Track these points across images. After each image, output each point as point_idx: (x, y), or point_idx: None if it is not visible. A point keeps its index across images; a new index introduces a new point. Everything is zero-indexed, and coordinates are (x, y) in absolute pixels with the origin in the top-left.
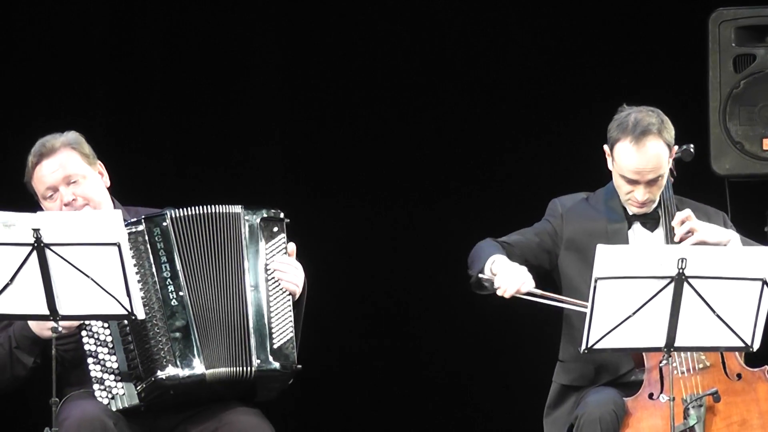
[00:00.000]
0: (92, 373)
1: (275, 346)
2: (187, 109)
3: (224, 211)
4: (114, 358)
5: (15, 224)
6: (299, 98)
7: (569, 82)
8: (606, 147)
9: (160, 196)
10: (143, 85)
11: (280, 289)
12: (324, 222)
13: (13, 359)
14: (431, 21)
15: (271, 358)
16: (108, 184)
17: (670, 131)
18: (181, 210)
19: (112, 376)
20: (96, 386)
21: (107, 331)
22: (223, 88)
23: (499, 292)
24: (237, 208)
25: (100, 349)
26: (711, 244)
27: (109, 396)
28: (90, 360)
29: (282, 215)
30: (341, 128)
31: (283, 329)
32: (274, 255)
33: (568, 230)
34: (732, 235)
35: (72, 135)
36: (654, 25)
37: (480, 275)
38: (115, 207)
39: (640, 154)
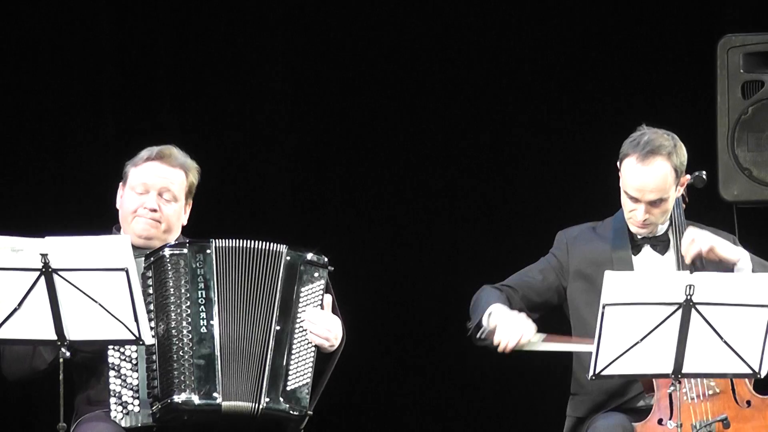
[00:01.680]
0: (111, 387)
1: (288, 388)
2: (198, 121)
3: (267, 248)
4: (135, 375)
5: (23, 249)
6: (310, 107)
7: (578, 108)
8: (618, 163)
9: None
10: (152, 96)
11: (306, 334)
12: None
13: (36, 352)
14: (453, 27)
15: (281, 399)
16: (185, 223)
17: (681, 157)
18: (226, 241)
19: (131, 392)
20: (113, 399)
21: (134, 347)
22: (235, 99)
23: (499, 348)
24: (282, 247)
25: (123, 363)
26: (722, 256)
27: (124, 411)
28: (112, 373)
29: (326, 260)
30: (363, 149)
31: (301, 373)
32: (308, 299)
33: (573, 261)
34: (742, 254)
35: (193, 162)
36: (662, 51)
37: (477, 331)
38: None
39: (644, 172)
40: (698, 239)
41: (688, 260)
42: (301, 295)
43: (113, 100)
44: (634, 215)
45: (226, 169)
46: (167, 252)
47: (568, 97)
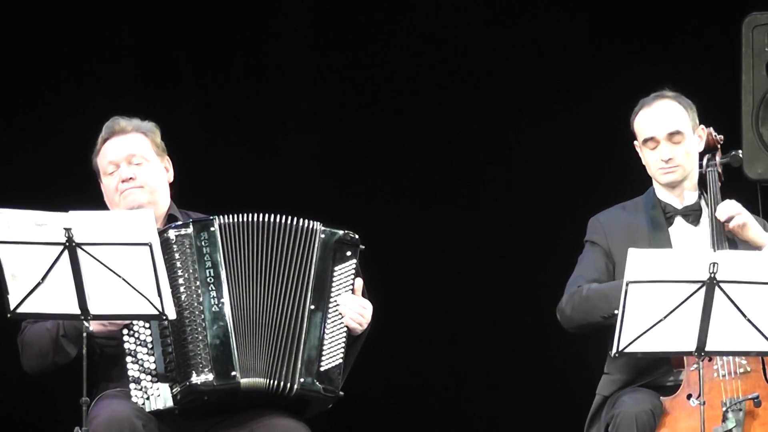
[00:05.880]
0: (130, 372)
1: (322, 369)
2: (219, 107)
3: (297, 224)
4: (152, 358)
5: (47, 224)
6: (333, 91)
7: (600, 87)
8: (636, 142)
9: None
10: (171, 83)
11: (340, 315)
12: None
13: (57, 347)
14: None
15: (315, 380)
16: (171, 180)
17: (692, 106)
18: (229, 217)
19: (149, 377)
20: (132, 385)
21: (148, 331)
22: (255, 85)
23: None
24: (316, 224)
25: (139, 348)
26: (749, 237)
27: (145, 396)
28: (129, 359)
29: (357, 238)
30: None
31: (334, 354)
32: (341, 279)
33: (613, 242)
34: None
35: (148, 123)
36: (687, 30)
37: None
38: (170, 206)
39: (653, 110)
40: (738, 206)
41: (722, 218)
42: (335, 274)
43: (134, 80)
44: (658, 160)
45: (248, 149)
46: (172, 234)
47: (590, 74)
